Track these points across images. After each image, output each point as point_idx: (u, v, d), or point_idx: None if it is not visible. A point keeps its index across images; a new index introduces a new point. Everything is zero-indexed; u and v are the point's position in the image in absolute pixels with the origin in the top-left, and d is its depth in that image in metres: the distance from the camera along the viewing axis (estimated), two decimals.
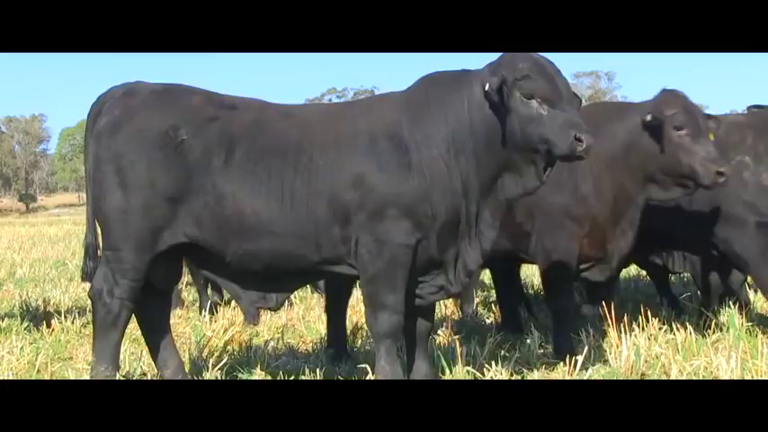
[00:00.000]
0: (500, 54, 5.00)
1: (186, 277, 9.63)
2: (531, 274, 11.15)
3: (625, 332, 6.09)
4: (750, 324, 6.84)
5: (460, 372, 5.51)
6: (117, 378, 5.22)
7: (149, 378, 5.71)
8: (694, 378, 5.43)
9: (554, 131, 4.73)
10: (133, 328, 6.02)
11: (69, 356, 6.90)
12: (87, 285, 5.38)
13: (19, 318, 8.36)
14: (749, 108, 9.36)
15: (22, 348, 6.50)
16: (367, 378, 5.14)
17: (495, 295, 9.30)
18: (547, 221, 6.35)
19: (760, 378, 5.29)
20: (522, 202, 6.05)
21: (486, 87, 4.77)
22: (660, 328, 6.50)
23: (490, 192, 5.03)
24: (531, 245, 6.49)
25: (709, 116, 6.26)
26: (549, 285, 6.52)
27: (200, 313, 8.71)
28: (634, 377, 5.62)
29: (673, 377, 5.47)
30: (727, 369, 5.37)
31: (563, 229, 6.29)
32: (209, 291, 9.31)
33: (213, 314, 8.48)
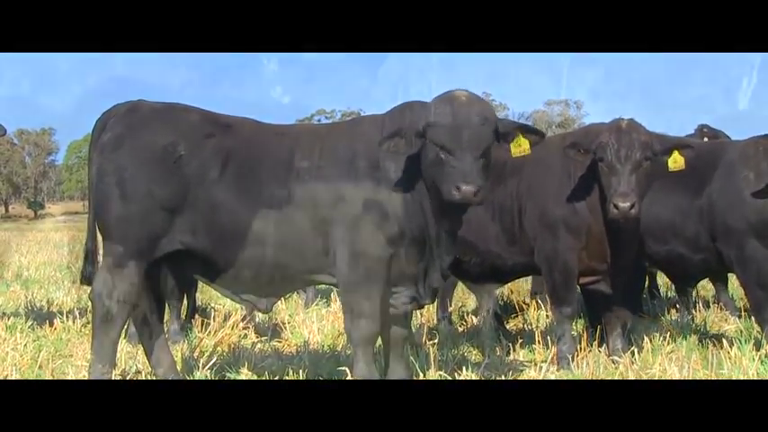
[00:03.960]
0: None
1: None
2: None
3: (587, 343, 6.14)
4: (702, 337, 6.94)
5: (433, 376, 5.55)
6: (113, 375, 5.24)
7: (144, 375, 5.72)
8: None
9: (442, 177, 4.77)
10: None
11: (69, 354, 6.88)
12: (87, 288, 5.38)
13: (24, 317, 8.32)
14: (699, 127, 9.43)
15: (25, 345, 6.51)
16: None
17: (470, 305, 9.31)
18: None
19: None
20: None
21: (381, 138, 4.88)
22: None
23: (445, 217, 5.04)
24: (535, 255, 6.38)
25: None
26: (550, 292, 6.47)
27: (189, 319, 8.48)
28: None
29: None
30: (679, 378, 5.42)
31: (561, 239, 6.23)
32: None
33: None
